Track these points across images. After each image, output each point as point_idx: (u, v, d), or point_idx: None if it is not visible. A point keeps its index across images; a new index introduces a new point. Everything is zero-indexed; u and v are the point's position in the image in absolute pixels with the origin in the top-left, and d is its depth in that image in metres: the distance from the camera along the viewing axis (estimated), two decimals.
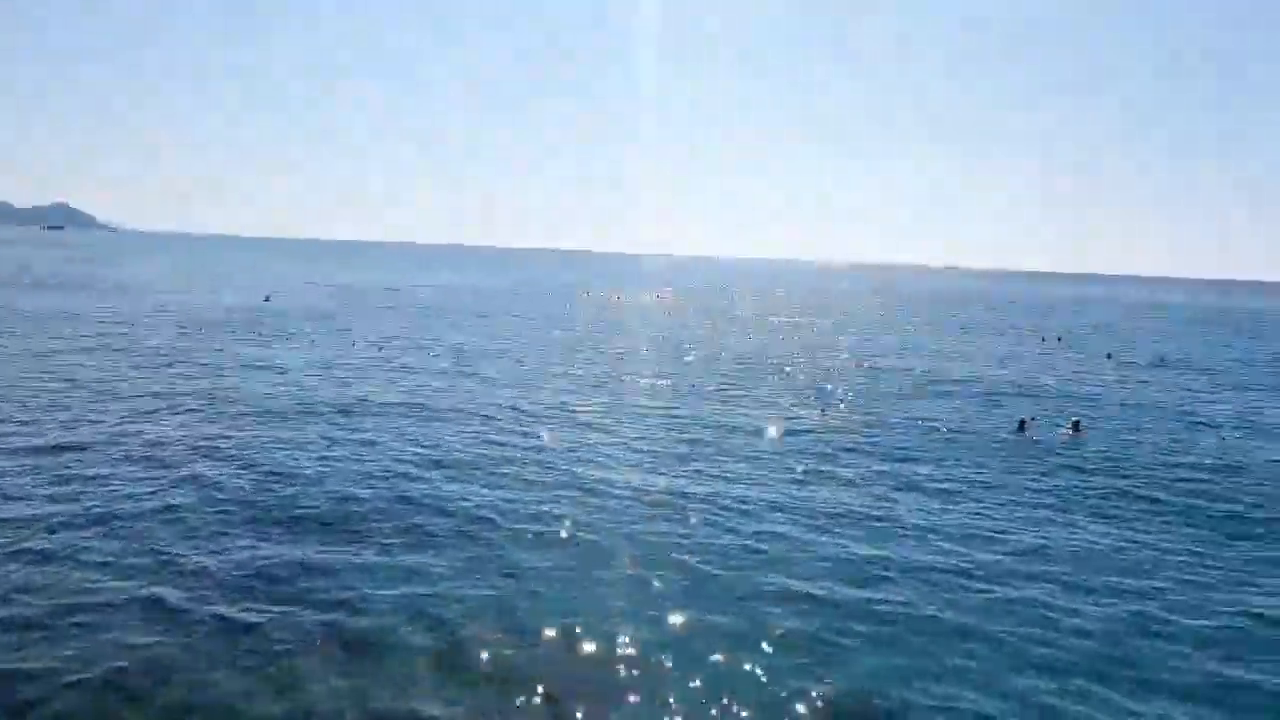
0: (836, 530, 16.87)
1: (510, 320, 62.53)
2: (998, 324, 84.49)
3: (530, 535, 15.96)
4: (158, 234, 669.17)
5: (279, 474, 19.24)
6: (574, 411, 28.43)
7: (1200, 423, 31.12)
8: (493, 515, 16.97)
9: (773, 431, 26.45)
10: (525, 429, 25.24)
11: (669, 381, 36.28)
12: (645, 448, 23.55)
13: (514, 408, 28.33)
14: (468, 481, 19.34)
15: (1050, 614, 13.38)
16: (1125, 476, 22.32)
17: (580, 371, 38.13)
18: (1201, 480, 22.16)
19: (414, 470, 20.05)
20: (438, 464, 20.69)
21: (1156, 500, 20.27)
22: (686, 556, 15.07)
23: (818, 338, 59.88)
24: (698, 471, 21.22)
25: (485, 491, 18.61)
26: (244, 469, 19.53)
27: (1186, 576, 15.23)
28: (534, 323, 61.60)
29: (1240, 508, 19.79)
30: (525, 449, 22.77)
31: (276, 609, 12.48)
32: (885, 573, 14.77)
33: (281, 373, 33.47)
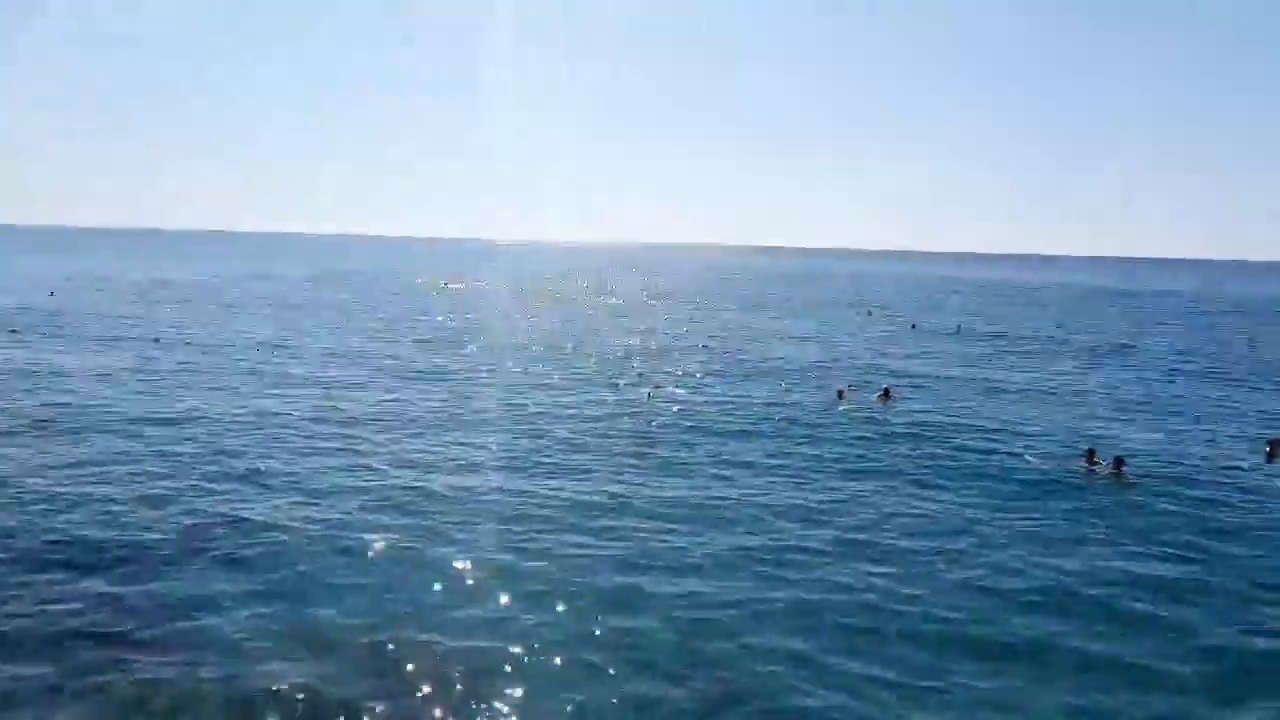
0: (664, 518, 16.73)
1: (323, 311, 59.16)
2: (825, 299, 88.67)
3: (340, 550, 14.78)
4: None
5: (48, 499, 16.93)
6: (388, 411, 27.03)
7: (992, 387, 33.62)
8: (299, 532, 15.66)
9: (600, 415, 26.20)
10: (334, 431, 23.67)
11: (480, 367, 35.35)
12: (457, 442, 22.65)
13: (319, 408, 26.53)
14: (269, 497, 17.72)
15: (864, 581, 13.77)
16: (928, 439, 23.64)
17: (390, 362, 36.45)
18: (992, 442, 23.78)
19: (212, 486, 18.19)
20: (240, 478, 18.89)
21: (953, 460, 21.57)
22: (513, 558, 14.47)
23: (651, 320, 60.43)
24: (515, 464, 20.58)
25: (288, 507, 17.14)
26: (12, 494, 17.08)
27: (985, 537, 16.14)
28: (350, 314, 58.55)
29: (1023, 468, 21.30)
30: (331, 453, 21.30)
31: (50, 653, 10.90)
32: (709, 556, 14.75)
33: (58, 377, 29.90)
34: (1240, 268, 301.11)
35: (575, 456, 21.11)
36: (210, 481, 18.22)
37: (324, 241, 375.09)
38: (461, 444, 22.12)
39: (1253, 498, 18.79)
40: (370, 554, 14.38)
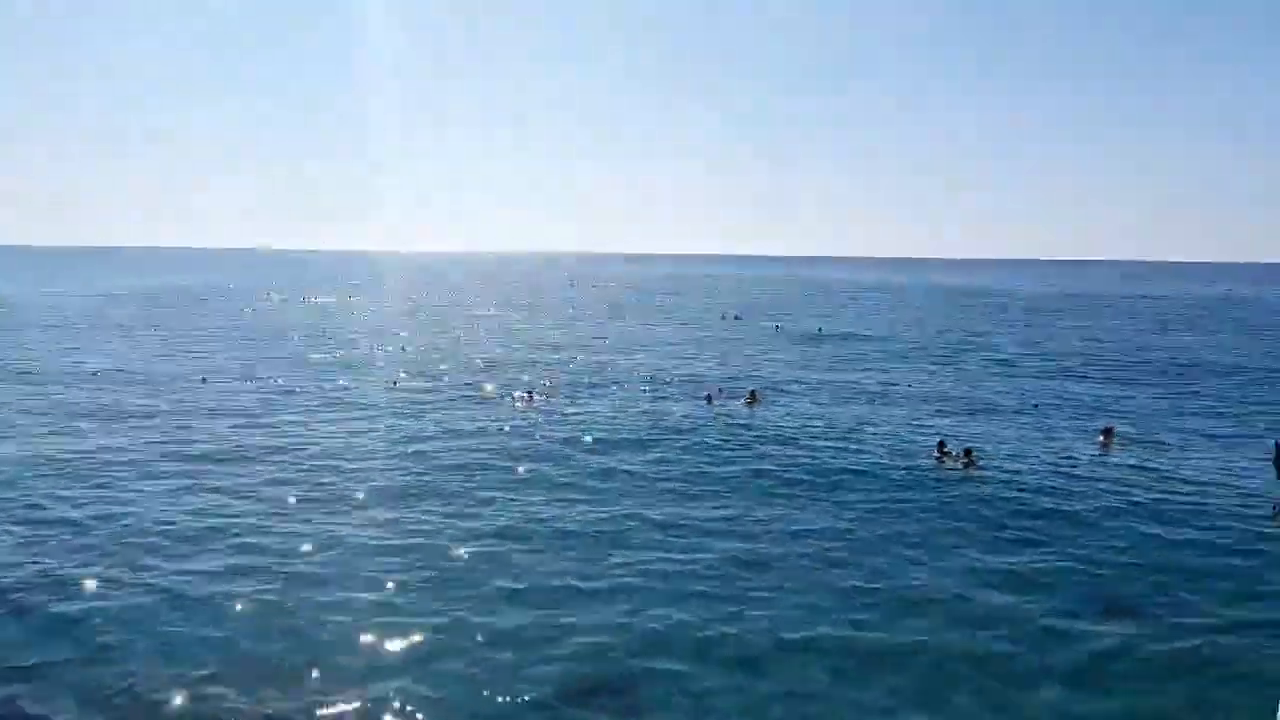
0: (539, 537, 16.23)
1: (152, 333, 55.27)
2: (689, 304, 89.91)
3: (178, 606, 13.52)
4: None
5: None
6: (235, 441, 25.32)
7: (851, 387, 34.77)
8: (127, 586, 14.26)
9: (470, 428, 25.39)
10: (175, 468, 21.91)
11: (340, 382, 33.82)
12: (310, 473, 21.42)
13: (156, 442, 24.54)
14: (91, 546, 16.12)
15: (737, 589, 13.72)
16: (793, 440, 24.09)
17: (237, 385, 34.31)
18: (852, 440, 24.47)
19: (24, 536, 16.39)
20: (56, 524, 17.10)
21: (816, 460, 22.05)
22: (386, 595, 13.64)
23: (513, 329, 59.54)
24: (388, 492, 19.61)
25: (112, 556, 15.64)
26: None
27: (850, 535, 16.48)
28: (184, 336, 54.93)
29: (882, 463, 21.99)
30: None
31: None
32: (589, 576, 14.39)
33: None
34: (1081, 267, 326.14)
35: (437, 477, 20.27)
36: (21, 528, 16.40)
37: (181, 254, 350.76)
38: (317, 473, 20.88)
39: (1089, 483, 20.02)
40: (220, 608, 13.19)
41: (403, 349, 45.90)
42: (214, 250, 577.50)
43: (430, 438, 24.17)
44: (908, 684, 10.77)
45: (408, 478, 20.01)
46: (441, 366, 39.31)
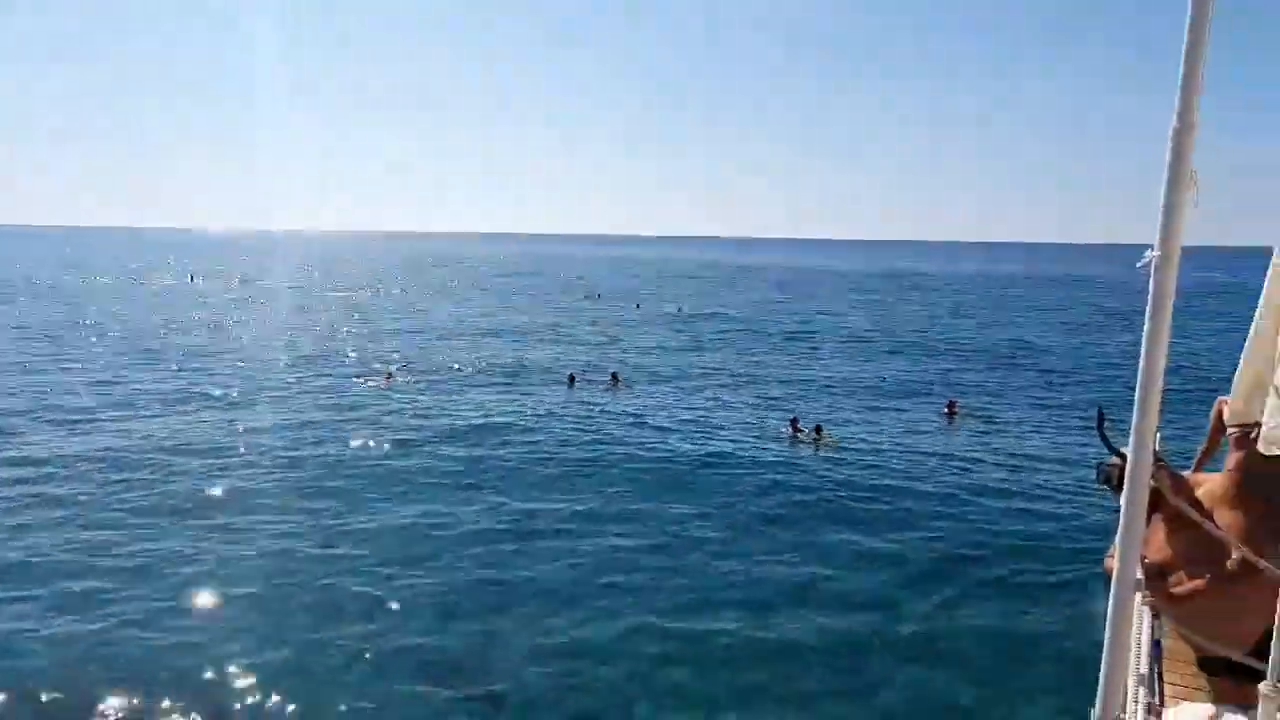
0: (392, 536, 15.58)
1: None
2: (552, 285, 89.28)
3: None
4: None
5: None
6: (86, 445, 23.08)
7: (711, 367, 35.45)
8: None
9: (324, 413, 24.13)
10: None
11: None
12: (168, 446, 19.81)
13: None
14: None
15: (603, 580, 13.57)
16: (652, 422, 24.29)
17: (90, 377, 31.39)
18: (711, 418, 24.91)
19: None
20: None
21: (677, 440, 22.31)
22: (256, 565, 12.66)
23: (370, 310, 57.31)
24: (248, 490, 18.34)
25: None
26: None
27: (710, 517, 16.66)
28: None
29: (739, 440, 22.51)
30: None
31: None
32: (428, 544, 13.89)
33: None
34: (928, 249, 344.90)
35: (292, 475, 19.13)
36: None
37: None
38: (160, 475, 19.27)
39: (933, 455, 21.20)
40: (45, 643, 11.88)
41: (252, 331, 43.24)
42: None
43: (286, 427, 22.80)
44: (755, 663, 10.77)
45: (269, 472, 18.77)
46: (302, 351, 37.28)
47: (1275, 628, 3.76)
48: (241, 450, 20.46)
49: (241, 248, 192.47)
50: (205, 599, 12.39)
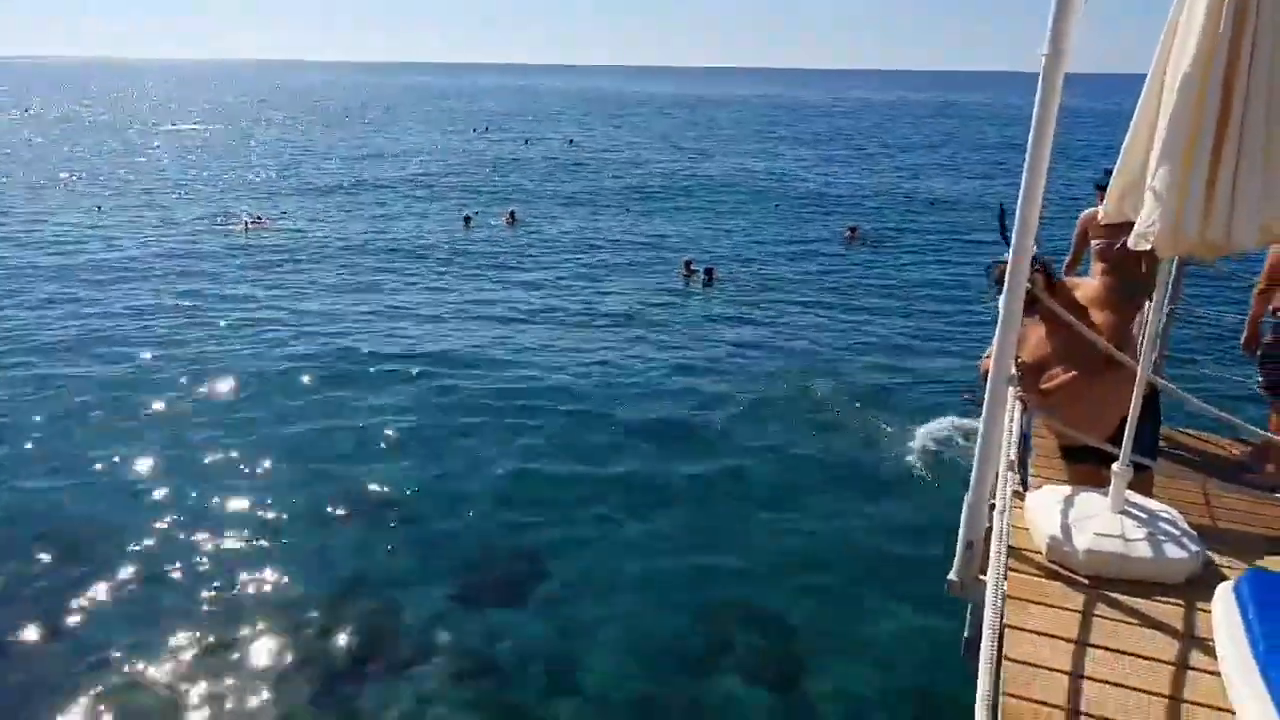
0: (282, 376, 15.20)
1: None
2: (436, 116, 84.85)
3: None
4: None
5: None
6: None
7: (607, 201, 34.99)
8: None
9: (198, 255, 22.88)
10: None
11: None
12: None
13: None
14: None
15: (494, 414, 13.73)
16: (551, 259, 24.13)
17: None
18: (607, 254, 24.85)
19: None
20: None
21: (575, 276, 22.29)
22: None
23: (224, 146, 53.47)
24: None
25: None
26: None
27: (608, 347, 16.92)
28: None
29: (635, 278, 22.64)
30: None
31: None
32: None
33: None
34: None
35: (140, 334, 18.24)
36: None
37: None
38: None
39: (836, 276, 22.03)
40: None
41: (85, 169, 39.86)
42: None
43: (164, 272, 21.53)
44: (646, 505, 11.07)
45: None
46: (142, 188, 34.69)
47: (1129, 417, 4.14)
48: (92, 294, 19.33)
49: (88, 76, 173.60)
50: None
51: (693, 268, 22.58)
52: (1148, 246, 3.54)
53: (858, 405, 13.71)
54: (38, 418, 12.85)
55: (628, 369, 15.71)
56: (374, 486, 10.98)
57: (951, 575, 4.19)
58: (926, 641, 7.81)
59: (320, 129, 69.09)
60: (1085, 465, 4.77)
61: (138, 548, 9.53)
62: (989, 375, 4.06)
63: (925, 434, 12.42)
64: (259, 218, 27.98)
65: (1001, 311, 3.93)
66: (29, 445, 11.99)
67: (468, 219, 29.28)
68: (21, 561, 9.22)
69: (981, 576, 4.12)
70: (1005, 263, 3.87)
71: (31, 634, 8.11)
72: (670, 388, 14.73)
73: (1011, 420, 4.31)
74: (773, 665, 7.77)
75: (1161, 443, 6.08)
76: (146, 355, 15.71)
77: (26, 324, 17.47)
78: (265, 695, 7.36)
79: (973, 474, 4.15)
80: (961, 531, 4.14)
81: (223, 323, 17.74)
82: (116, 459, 11.56)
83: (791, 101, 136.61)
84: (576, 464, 11.74)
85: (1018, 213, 3.75)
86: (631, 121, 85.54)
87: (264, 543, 9.72)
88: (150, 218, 29.31)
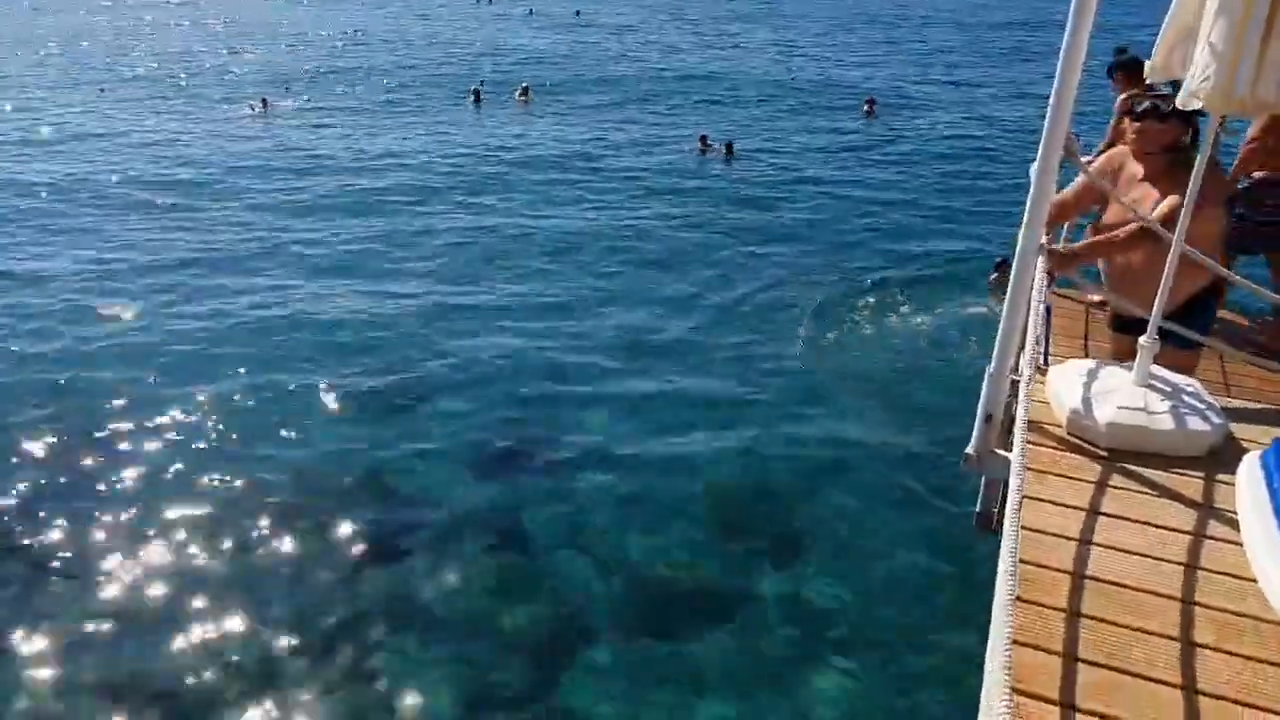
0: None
1: None
2: None
3: None
4: None
5: None
6: None
7: (618, 76, 33.81)
8: None
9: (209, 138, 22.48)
10: None
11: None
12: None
13: None
14: None
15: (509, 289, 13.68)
16: (572, 144, 23.49)
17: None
18: (626, 135, 24.20)
19: None
20: None
21: (594, 157, 21.80)
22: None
23: (216, 23, 51.61)
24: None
25: None
26: None
27: (628, 221, 16.68)
28: None
29: (650, 159, 22.11)
30: None
31: None
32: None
33: None
34: None
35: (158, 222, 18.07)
36: None
37: None
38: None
39: (846, 153, 21.43)
40: None
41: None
42: None
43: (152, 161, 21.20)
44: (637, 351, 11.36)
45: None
46: (139, 68, 33.79)
47: (1160, 288, 4.03)
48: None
49: None
50: None
51: (709, 142, 21.99)
52: (1199, 104, 3.38)
53: (881, 284, 13.55)
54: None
55: (650, 235, 15.69)
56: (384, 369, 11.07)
57: (969, 449, 4.19)
58: (941, 519, 7.95)
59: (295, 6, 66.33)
60: (1130, 337, 4.67)
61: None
62: (1018, 246, 3.95)
63: (948, 313, 12.32)
64: (264, 99, 27.23)
65: (1033, 178, 3.79)
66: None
67: (477, 94, 28.46)
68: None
69: (998, 450, 4.12)
70: (1009, 262, 3.74)
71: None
72: (689, 259, 14.65)
73: (1038, 293, 4.22)
74: (785, 549, 7.91)
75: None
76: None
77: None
78: (286, 589, 7.50)
79: (995, 346, 4.09)
80: (981, 404, 4.12)
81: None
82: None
83: None
84: (587, 339, 11.80)
85: (1060, 65, 3.54)
86: None
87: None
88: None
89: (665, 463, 9.05)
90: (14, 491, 8.55)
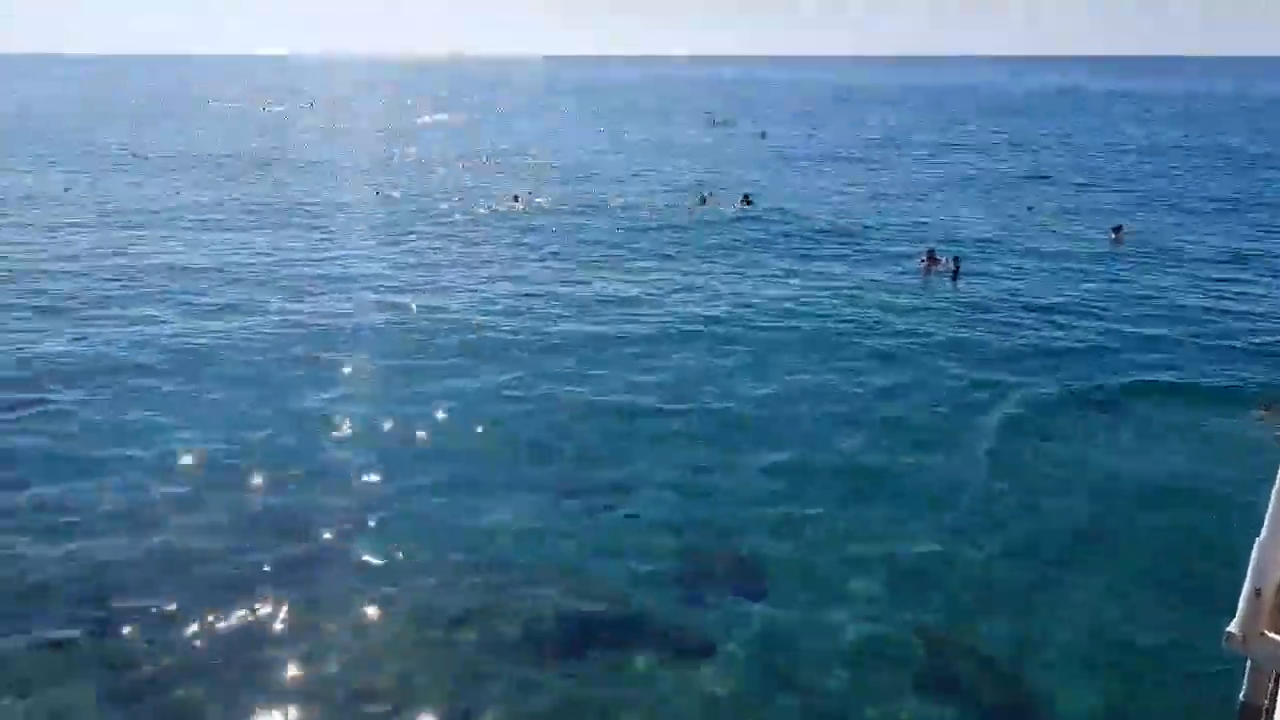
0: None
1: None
2: (668, 107, 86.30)
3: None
4: None
5: None
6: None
7: (844, 189, 33.89)
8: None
9: (463, 219, 24.82)
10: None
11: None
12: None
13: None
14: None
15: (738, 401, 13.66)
16: (791, 240, 23.82)
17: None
18: (849, 243, 24.08)
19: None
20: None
21: (817, 259, 21.83)
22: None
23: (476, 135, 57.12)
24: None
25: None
26: None
27: (848, 340, 16.33)
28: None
29: (876, 267, 21.73)
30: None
31: None
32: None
33: None
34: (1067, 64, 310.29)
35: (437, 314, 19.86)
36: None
37: None
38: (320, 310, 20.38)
39: (1099, 281, 20.09)
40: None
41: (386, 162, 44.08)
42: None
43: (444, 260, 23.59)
44: (878, 489, 10.68)
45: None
46: (432, 174, 37.93)
47: None
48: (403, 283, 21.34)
49: (286, 72, 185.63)
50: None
51: (936, 258, 21.28)
52: None
53: (1118, 407, 12.41)
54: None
55: (871, 350, 15.35)
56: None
57: (1232, 627, 3.58)
58: (1197, 703, 6.87)
59: (538, 120, 71.90)
60: None
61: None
62: None
63: (1199, 451, 10.99)
64: (517, 196, 29.64)
65: None
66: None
67: (703, 198, 29.58)
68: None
69: (1269, 632, 3.49)
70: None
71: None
72: (908, 372, 14.12)
73: None
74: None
75: None
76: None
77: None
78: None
79: (1269, 510, 3.52)
80: (1249, 576, 3.53)
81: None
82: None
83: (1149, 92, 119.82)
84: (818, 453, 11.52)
85: None
86: (875, 114, 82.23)
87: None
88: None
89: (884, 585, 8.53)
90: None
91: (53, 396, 12.80)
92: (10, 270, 19.72)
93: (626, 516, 9.94)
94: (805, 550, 9.21)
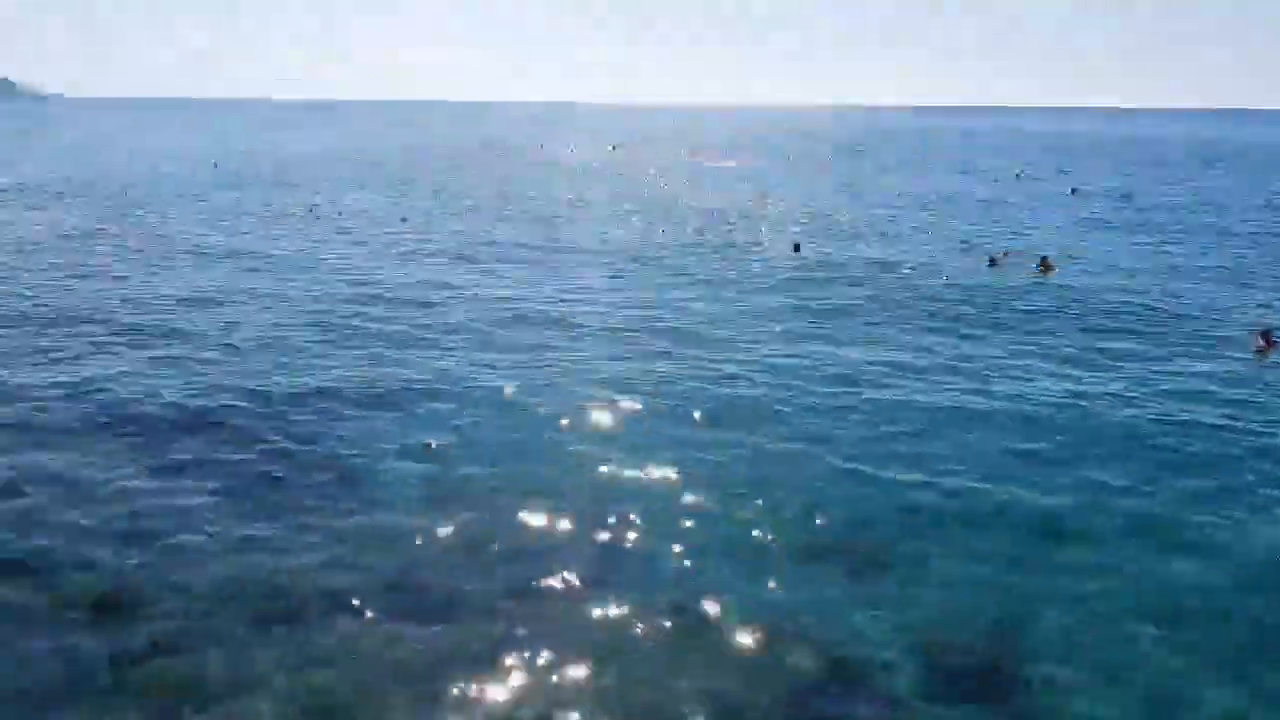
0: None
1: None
2: (969, 159, 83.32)
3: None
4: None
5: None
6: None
7: (1157, 258, 31.11)
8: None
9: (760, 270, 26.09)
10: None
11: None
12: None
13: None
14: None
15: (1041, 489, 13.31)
16: (1093, 314, 22.27)
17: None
18: (1161, 320, 22.16)
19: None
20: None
21: (1123, 340, 20.30)
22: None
23: (782, 186, 58.40)
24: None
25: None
26: None
27: (1160, 432, 15.19)
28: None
29: (1195, 349, 19.82)
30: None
31: None
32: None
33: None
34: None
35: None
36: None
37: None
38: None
39: None
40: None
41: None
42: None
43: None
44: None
45: None
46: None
47: None
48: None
49: (575, 121, 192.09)
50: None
51: (1273, 338, 19.03)
52: None
53: None
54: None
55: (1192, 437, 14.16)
56: None
57: None
58: None
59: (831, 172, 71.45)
60: None
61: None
62: None
63: None
64: (798, 244, 30.46)
65: None
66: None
67: (994, 259, 28.63)
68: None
69: None
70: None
71: None
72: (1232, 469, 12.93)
73: None
74: None
75: None
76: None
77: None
78: None
79: None
80: None
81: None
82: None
83: None
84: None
85: None
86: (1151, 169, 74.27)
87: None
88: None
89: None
90: None
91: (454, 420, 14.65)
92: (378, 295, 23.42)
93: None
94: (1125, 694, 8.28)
